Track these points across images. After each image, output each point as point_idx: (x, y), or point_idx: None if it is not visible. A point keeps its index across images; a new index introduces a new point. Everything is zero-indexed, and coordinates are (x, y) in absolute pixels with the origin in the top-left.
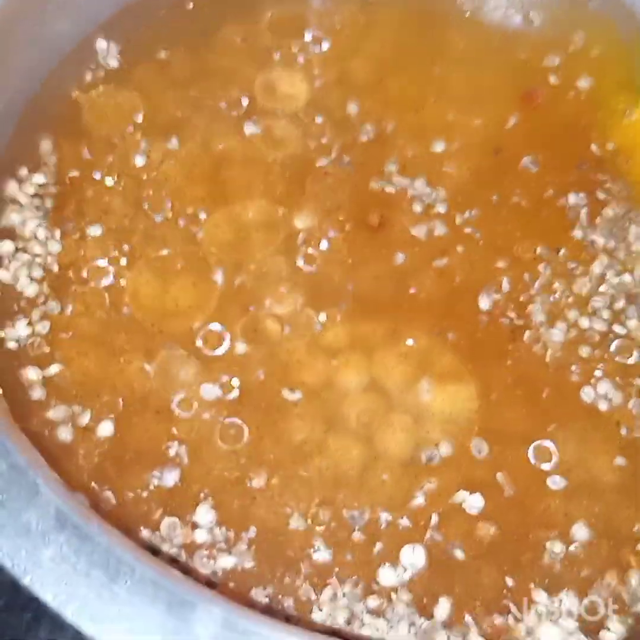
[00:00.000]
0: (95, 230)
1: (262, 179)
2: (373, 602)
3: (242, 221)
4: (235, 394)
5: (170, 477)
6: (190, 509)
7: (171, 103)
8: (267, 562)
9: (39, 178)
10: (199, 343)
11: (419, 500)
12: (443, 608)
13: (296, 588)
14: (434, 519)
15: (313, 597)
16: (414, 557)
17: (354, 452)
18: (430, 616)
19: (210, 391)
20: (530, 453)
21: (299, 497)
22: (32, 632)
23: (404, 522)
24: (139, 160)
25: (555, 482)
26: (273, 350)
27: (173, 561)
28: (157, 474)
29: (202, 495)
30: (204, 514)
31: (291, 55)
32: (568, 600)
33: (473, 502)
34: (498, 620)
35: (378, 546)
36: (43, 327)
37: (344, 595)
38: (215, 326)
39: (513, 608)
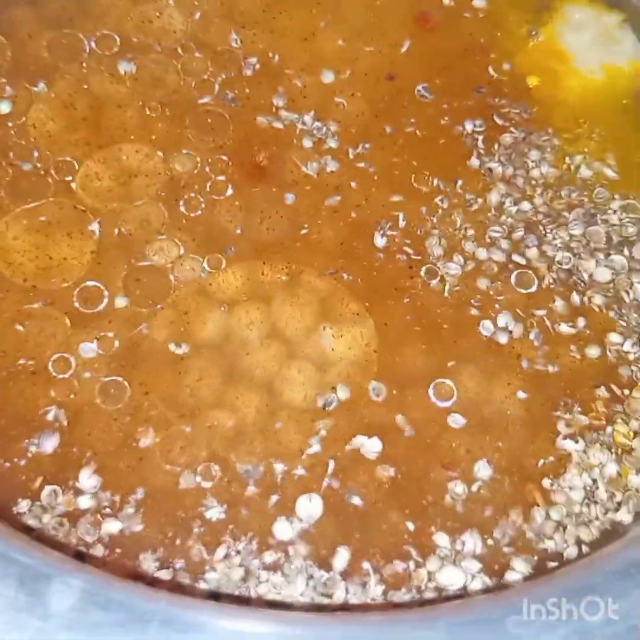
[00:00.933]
0: None
1: (138, 120)
2: (270, 557)
3: (119, 166)
4: (116, 350)
5: (49, 443)
6: (72, 475)
7: (38, 44)
8: (156, 525)
9: None
10: (75, 299)
11: (315, 447)
12: (342, 558)
13: (188, 549)
14: (331, 465)
15: (206, 557)
16: (310, 507)
17: (248, 404)
18: (328, 568)
19: (88, 349)
20: (430, 392)
21: (189, 454)
22: None
23: (300, 471)
24: (3, 107)
25: (456, 421)
26: (157, 303)
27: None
28: (35, 441)
29: (84, 459)
30: (87, 479)
31: None
32: (471, 541)
33: (371, 447)
34: (399, 566)
35: (274, 499)
36: None
37: (238, 552)
38: (93, 282)
39: (414, 553)
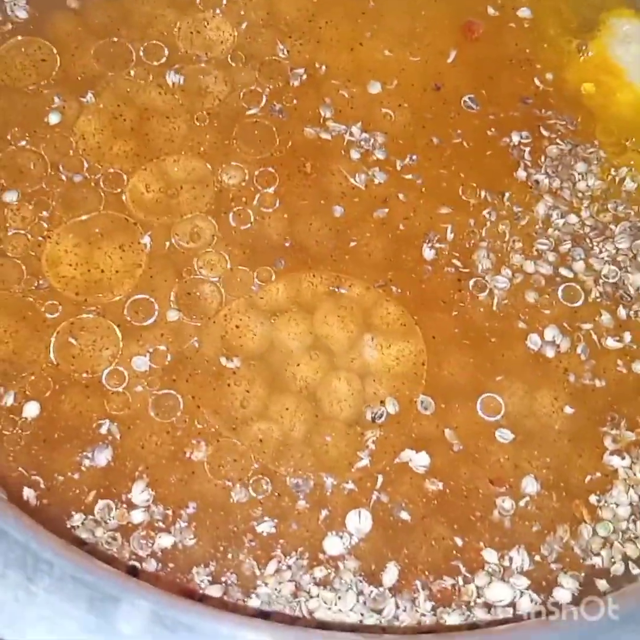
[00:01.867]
0: (10, 196)
1: (186, 131)
2: (320, 572)
3: (168, 179)
4: (168, 364)
5: (102, 456)
6: (125, 489)
7: (86, 54)
8: (208, 539)
9: None
10: (126, 312)
11: (364, 461)
12: (391, 574)
13: (239, 563)
14: (380, 480)
15: (257, 571)
16: (360, 522)
17: (297, 416)
18: (378, 583)
19: (141, 362)
20: (478, 406)
21: (240, 467)
22: None
23: (349, 485)
24: (53, 118)
25: (504, 435)
26: (208, 316)
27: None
28: (88, 454)
29: (137, 473)
30: (140, 493)
31: None
32: (519, 557)
33: (419, 461)
34: (447, 582)
35: (323, 513)
36: None
37: (289, 567)
38: (144, 295)
39: (462, 568)
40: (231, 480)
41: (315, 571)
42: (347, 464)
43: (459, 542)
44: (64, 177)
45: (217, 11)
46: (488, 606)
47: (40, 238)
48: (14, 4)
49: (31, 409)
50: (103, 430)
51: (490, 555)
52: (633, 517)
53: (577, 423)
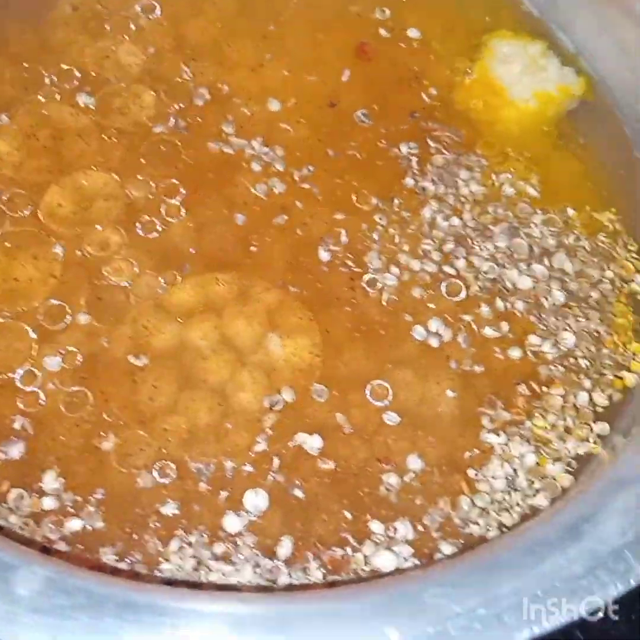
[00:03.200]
0: None
1: (97, 149)
2: (219, 548)
3: (80, 193)
4: (79, 363)
5: (16, 450)
6: (37, 479)
7: (1, 78)
8: (115, 522)
9: None
10: (40, 317)
11: (262, 445)
12: (285, 547)
13: (144, 543)
14: (276, 461)
15: (161, 549)
16: (256, 500)
17: (202, 408)
18: (273, 556)
19: (53, 363)
20: (368, 392)
21: (146, 456)
22: None
23: (248, 468)
24: None
25: (391, 418)
26: (117, 318)
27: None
28: (2, 448)
29: (48, 463)
30: (51, 482)
31: (123, 23)
32: (403, 528)
33: (312, 443)
34: (337, 552)
35: (223, 494)
36: None
37: (190, 544)
38: (57, 301)
39: (351, 540)
40: (137, 468)
41: (214, 547)
42: (246, 448)
43: (348, 515)
44: None
45: (126, 37)
46: (375, 573)
47: None
48: None
49: None
50: (16, 425)
51: (377, 527)
52: (508, 489)
53: (459, 405)
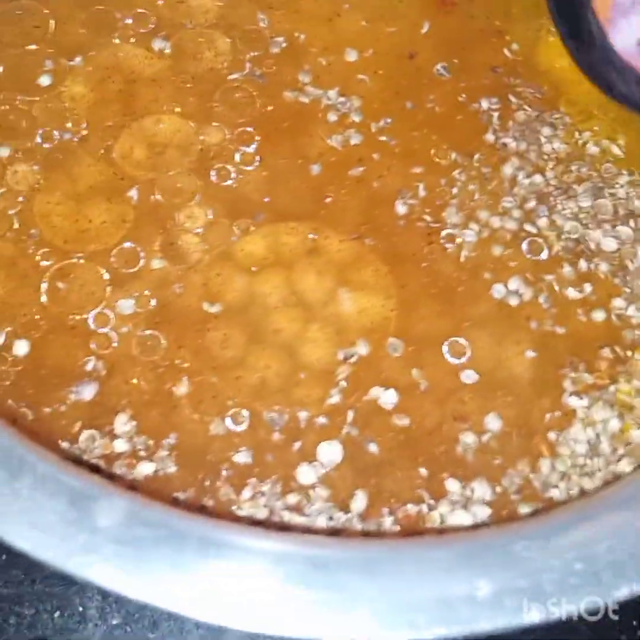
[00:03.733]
0: (2, 151)
1: (172, 94)
2: (292, 498)
3: (154, 138)
4: (152, 308)
5: (88, 391)
6: (109, 421)
7: (76, 22)
8: (188, 467)
9: None
10: (113, 260)
11: (336, 398)
12: (359, 501)
13: (216, 489)
14: (350, 415)
15: (233, 497)
16: (330, 453)
17: (273, 359)
18: (347, 510)
19: (126, 306)
20: (445, 349)
21: (218, 403)
22: None
23: (321, 420)
24: (44, 80)
25: (469, 376)
26: (190, 265)
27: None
28: (75, 389)
29: (120, 407)
30: (123, 424)
31: None
32: (480, 488)
33: (387, 398)
34: (412, 509)
35: (296, 445)
36: None
37: (263, 494)
38: (130, 243)
39: (426, 497)
40: (210, 414)
41: (288, 498)
42: (319, 400)
43: (423, 473)
44: (53, 135)
45: None
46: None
47: (31, 191)
48: None
49: (21, 347)
50: (89, 367)
51: (453, 486)
52: (590, 453)
53: (538, 367)
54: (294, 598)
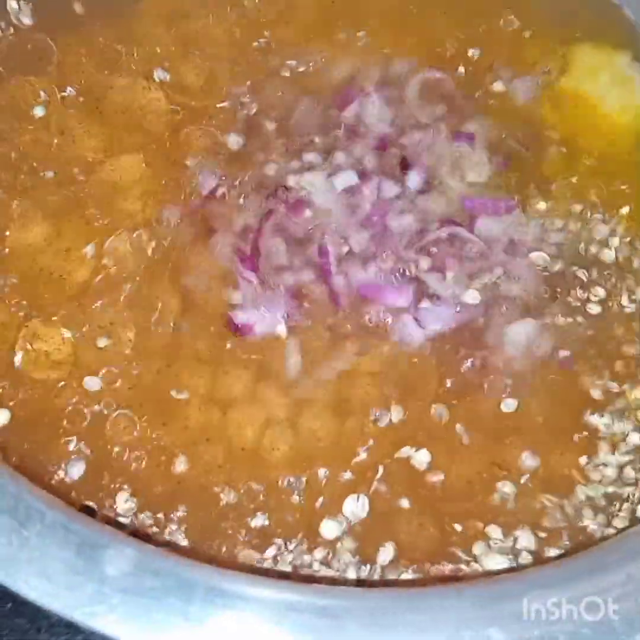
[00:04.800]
0: None
1: None
2: (319, 554)
3: None
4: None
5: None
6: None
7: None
8: (201, 538)
9: None
10: None
11: (363, 456)
12: (387, 553)
13: (236, 554)
14: (381, 470)
15: (257, 557)
16: (357, 507)
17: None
18: (373, 562)
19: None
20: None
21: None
22: None
23: (347, 475)
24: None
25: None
26: None
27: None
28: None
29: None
30: (123, 503)
31: None
32: (523, 536)
33: (420, 458)
34: (446, 568)
35: (320, 501)
36: None
37: (290, 551)
38: None
39: (461, 555)
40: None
41: (315, 553)
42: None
43: (458, 528)
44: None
45: None
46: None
47: None
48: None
49: None
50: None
51: (493, 533)
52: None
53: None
54: None
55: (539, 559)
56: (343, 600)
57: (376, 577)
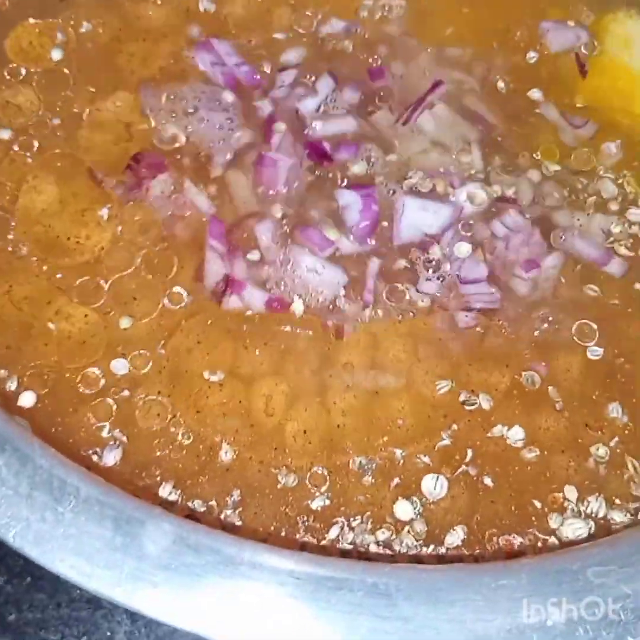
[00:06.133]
0: None
1: None
2: (382, 535)
3: None
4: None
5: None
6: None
7: None
8: (257, 521)
9: None
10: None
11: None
12: (455, 536)
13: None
14: (470, 453)
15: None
16: (435, 487)
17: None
18: (439, 543)
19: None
20: None
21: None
22: None
23: (425, 459)
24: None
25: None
26: None
27: None
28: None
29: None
30: (168, 494)
31: None
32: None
33: (514, 435)
34: (516, 539)
35: (395, 481)
36: None
37: (351, 529)
38: None
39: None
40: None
41: (378, 534)
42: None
43: (537, 504)
44: None
45: None
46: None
47: None
48: None
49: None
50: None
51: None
52: None
53: None
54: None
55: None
56: (394, 578)
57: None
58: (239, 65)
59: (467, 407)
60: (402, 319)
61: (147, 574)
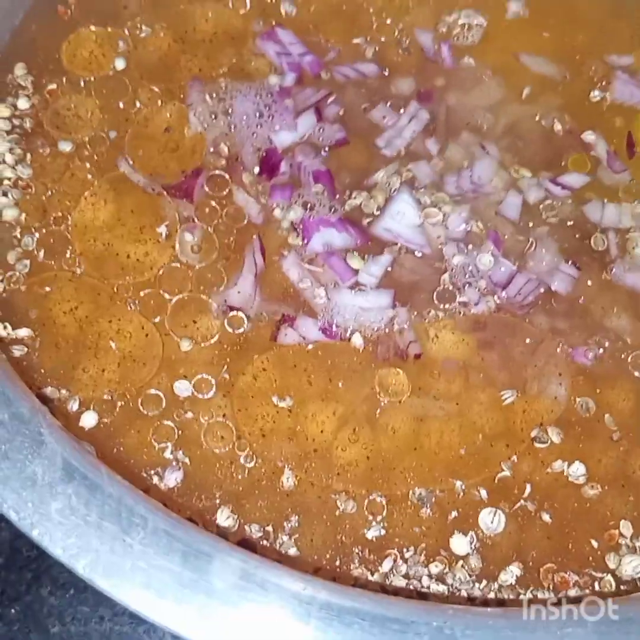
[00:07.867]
0: None
1: None
2: (435, 568)
3: None
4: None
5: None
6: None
7: None
8: (312, 549)
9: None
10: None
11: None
12: (509, 574)
13: (349, 569)
14: (528, 488)
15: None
16: (493, 522)
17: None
18: (493, 579)
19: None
20: None
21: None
22: (32, 589)
23: (483, 493)
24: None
25: None
26: None
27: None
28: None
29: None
30: (225, 519)
31: None
32: None
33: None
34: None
35: (453, 514)
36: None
37: (405, 561)
38: None
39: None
40: (338, 494)
41: (431, 567)
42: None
43: (594, 543)
44: None
45: None
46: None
47: None
48: None
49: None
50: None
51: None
52: None
53: None
54: None
55: None
56: (458, 620)
57: (491, 595)
58: (303, 54)
59: (537, 445)
60: (458, 348)
61: (215, 611)
